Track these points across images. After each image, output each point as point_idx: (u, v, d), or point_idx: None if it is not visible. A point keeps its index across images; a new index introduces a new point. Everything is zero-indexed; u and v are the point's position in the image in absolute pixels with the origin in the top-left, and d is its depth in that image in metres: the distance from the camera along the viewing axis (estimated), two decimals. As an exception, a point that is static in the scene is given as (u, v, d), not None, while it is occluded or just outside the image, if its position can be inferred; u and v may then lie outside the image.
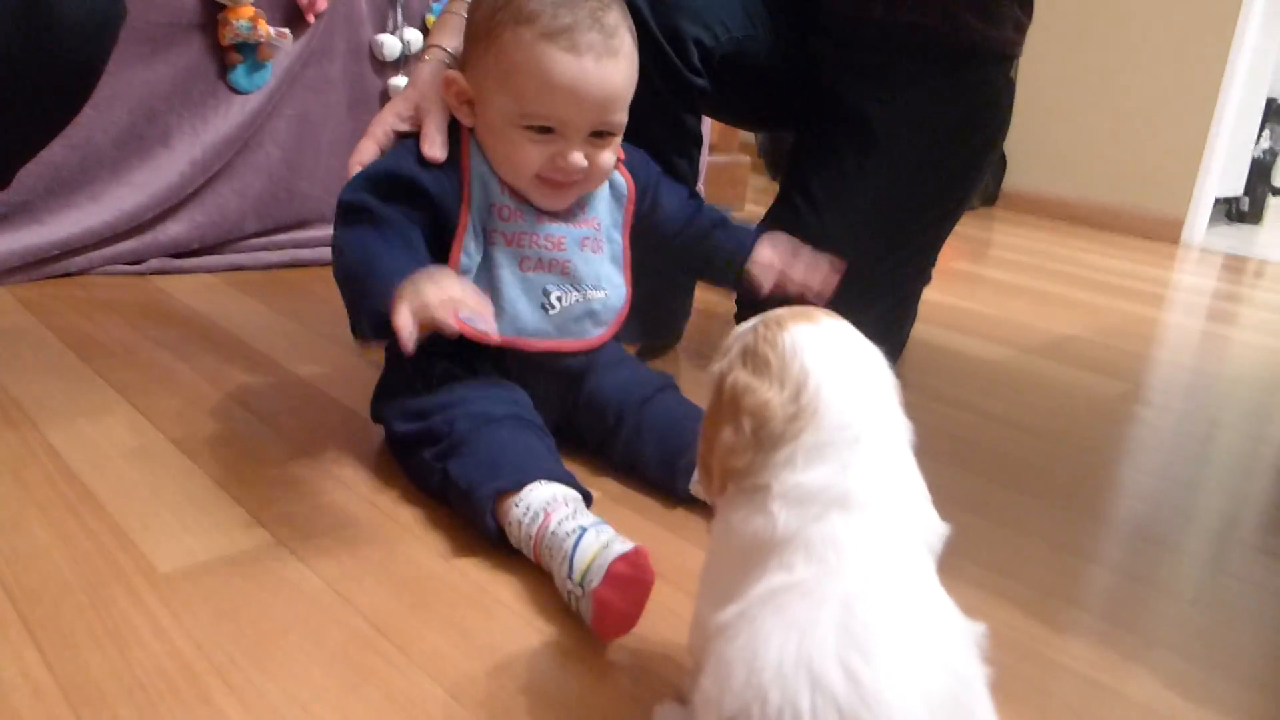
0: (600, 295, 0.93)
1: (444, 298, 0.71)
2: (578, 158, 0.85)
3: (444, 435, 0.83)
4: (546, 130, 0.84)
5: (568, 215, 0.91)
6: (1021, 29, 1.26)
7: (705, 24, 1.13)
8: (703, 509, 0.88)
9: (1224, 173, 3.12)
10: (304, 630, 0.66)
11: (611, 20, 0.83)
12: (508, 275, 0.88)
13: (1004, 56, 1.26)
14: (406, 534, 0.80)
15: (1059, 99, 3.16)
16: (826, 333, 0.52)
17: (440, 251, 0.86)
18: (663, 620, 0.71)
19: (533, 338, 0.89)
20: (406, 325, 0.70)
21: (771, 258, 0.98)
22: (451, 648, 0.65)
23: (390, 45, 1.63)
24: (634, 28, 0.87)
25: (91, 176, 1.39)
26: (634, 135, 0.92)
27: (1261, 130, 3.44)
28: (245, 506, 0.82)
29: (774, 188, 1.55)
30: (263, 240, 1.59)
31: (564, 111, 0.83)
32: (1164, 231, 3.08)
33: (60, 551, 0.73)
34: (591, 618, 0.67)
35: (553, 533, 0.72)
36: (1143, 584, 0.85)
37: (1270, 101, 3.40)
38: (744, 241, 1.00)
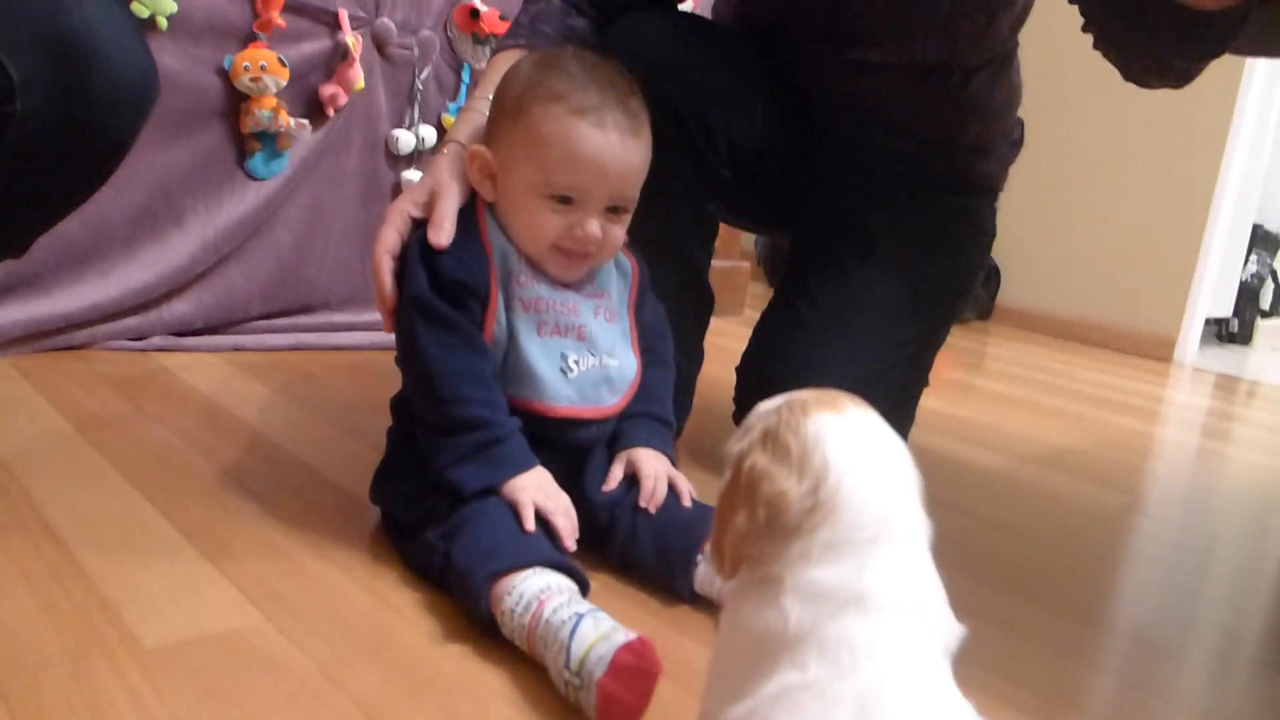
0: (615, 363, 0.94)
1: (555, 507, 0.83)
2: (594, 227, 0.87)
3: (446, 515, 0.82)
4: (566, 201, 0.87)
5: (581, 286, 0.94)
6: (1007, 165, 1.34)
7: (734, 119, 1.17)
8: (705, 604, 0.86)
9: (1214, 294, 3.17)
10: (291, 713, 0.63)
11: (635, 105, 0.89)
12: (527, 340, 0.89)
13: (991, 189, 1.33)
14: (400, 618, 0.78)
15: (1054, 218, 3.25)
16: (851, 424, 0.50)
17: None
18: (664, 717, 0.68)
19: (554, 402, 0.90)
20: (530, 513, 0.81)
21: (640, 463, 0.93)
22: (444, 736, 0.63)
23: (405, 140, 1.68)
24: (655, 118, 0.91)
25: (103, 253, 1.41)
26: (661, 222, 0.94)
27: (1249, 255, 3.52)
28: (236, 584, 0.80)
29: (771, 294, 1.57)
30: (267, 323, 1.59)
31: (586, 182, 0.86)
32: (1157, 350, 3.11)
33: (44, 621, 0.70)
34: (596, 709, 0.64)
35: (546, 621, 0.70)
36: (1145, 693, 0.84)
37: (1256, 228, 3.49)
38: (640, 426, 0.96)
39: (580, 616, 0.69)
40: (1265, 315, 3.82)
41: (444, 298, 0.86)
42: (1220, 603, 1.10)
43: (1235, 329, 3.69)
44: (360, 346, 1.67)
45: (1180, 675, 0.89)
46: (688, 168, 1.14)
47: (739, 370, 1.27)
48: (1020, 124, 1.34)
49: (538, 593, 0.72)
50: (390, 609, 0.79)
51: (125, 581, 0.78)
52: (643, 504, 0.90)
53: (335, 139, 1.60)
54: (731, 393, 1.29)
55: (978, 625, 0.49)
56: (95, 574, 0.78)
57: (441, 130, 1.74)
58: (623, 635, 0.66)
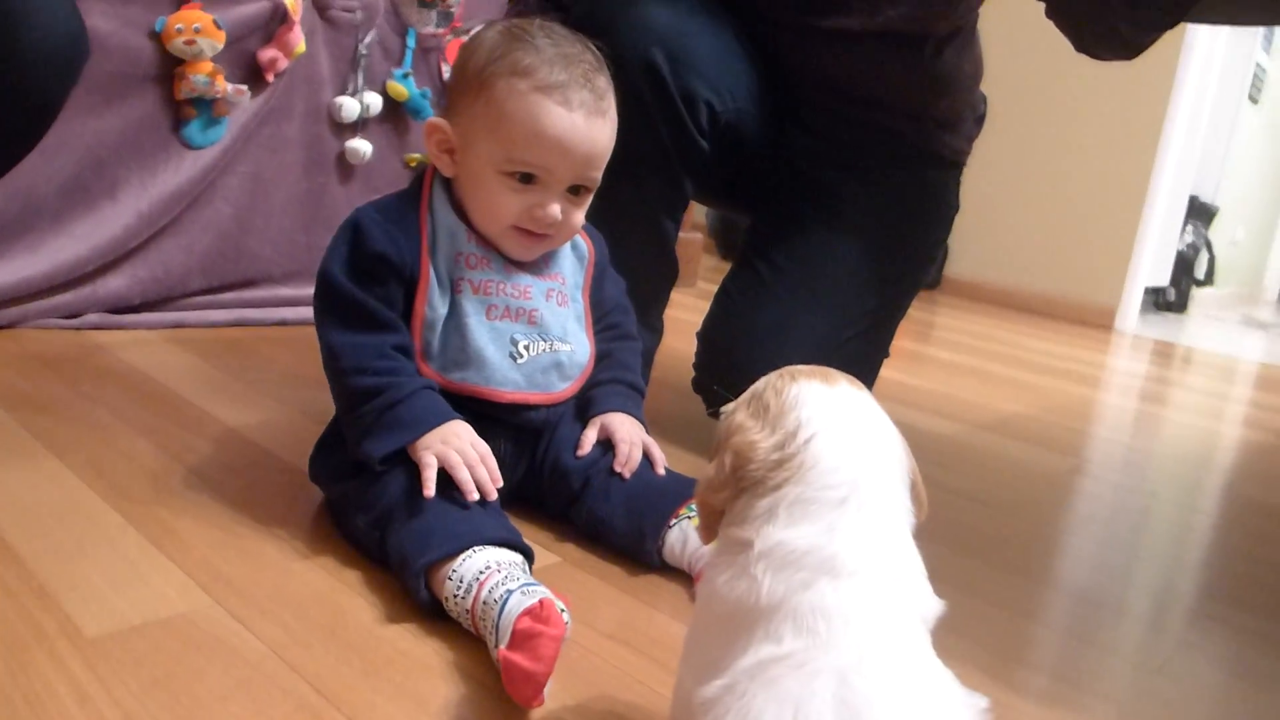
0: (567, 348, 0.92)
1: (460, 459, 0.79)
2: (554, 209, 0.85)
3: (376, 500, 0.80)
4: (528, 180, 0.84)
5: (534, 267, 0.91)
6: (972, 140, 1.35)
7: (716, 89, 1.15)
8: (673, 575, 0.86)
9: (1153, 265, 3.25)
10: (245, 698, 0.61)
11: (601, 83, 0.86)
12: (475, 323, 0.86)
13: (957, 163, 1.34)
14: (355, 597, 0.76)
15: (999, 193, 3.29)
16: (837, 393, 0.50)
17: (408, 305, 0.86)
18: (629, 689, 0.67)
19: (500, 387, 0.88)
20: (432, 475, 0.78)
21: (614, 429, 0.92)
22: (405, 716, 0.61)
23: (349, 107, 1.63)
24: (638, 85, 0.89)
25: (31, 226, 1.34)
26: (633, 190, 0.92)
27: (1185, 226, 3.61)
28: (181, 567, 0.77)
29: (724, 266, 1.56)
30: (208, 298, 1.54)
31: (550, 160, 0.84)
32: (1098, 319, 3.19)
33: (-24, 612, 0.67)
34: (503, 682, 0.62)
35: (484, 603, 0.68)
36: (1089, 645, 0.86)
37: (1193, 199, 3.58)
38: (612, 392, 0.96)
39: (509, 594, 0.66)
40: (1200, 284, 3.93)
41: (357, 272, 0.83)
42: (1159, 558, 1.13)
43: (1172, 298, 3.79)
44: (306, 321, 1.62)
45: (1122, 627, 0.91)
46: (667, 137, 1.12)
47: (700, 336, 1.26)
48: (984, 99, 1.35)
49: (476, 574, 0.70)
50: (343, 587, 0.77)
51: (63, 568, 0.74)
52: (618, 469, 0.90)
53: (276, 106, 1.55)
54: (687, 363, 1.28)
55: (933, 586, 0.48)
56: (31, 561, 0.74)
57: (387, 97, 1.69)
58: (534, 598, 0.64)
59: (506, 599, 0.66)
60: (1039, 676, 0.78)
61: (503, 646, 0.62)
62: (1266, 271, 5.21)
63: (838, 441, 0.48)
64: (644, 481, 0.90)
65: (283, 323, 1.59)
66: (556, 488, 0.92)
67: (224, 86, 1.43)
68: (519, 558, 0.75)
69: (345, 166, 1.68)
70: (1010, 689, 0.75)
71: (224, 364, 1.34)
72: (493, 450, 0.87)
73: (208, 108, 1.45)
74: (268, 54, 1.49)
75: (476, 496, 0.79)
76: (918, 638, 0.45)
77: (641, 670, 0.70)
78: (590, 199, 0.90)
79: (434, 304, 0.86)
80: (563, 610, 0.64)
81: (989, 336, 2.65)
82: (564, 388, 0.92)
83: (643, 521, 0.86)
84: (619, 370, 0.97)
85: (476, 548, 0.73)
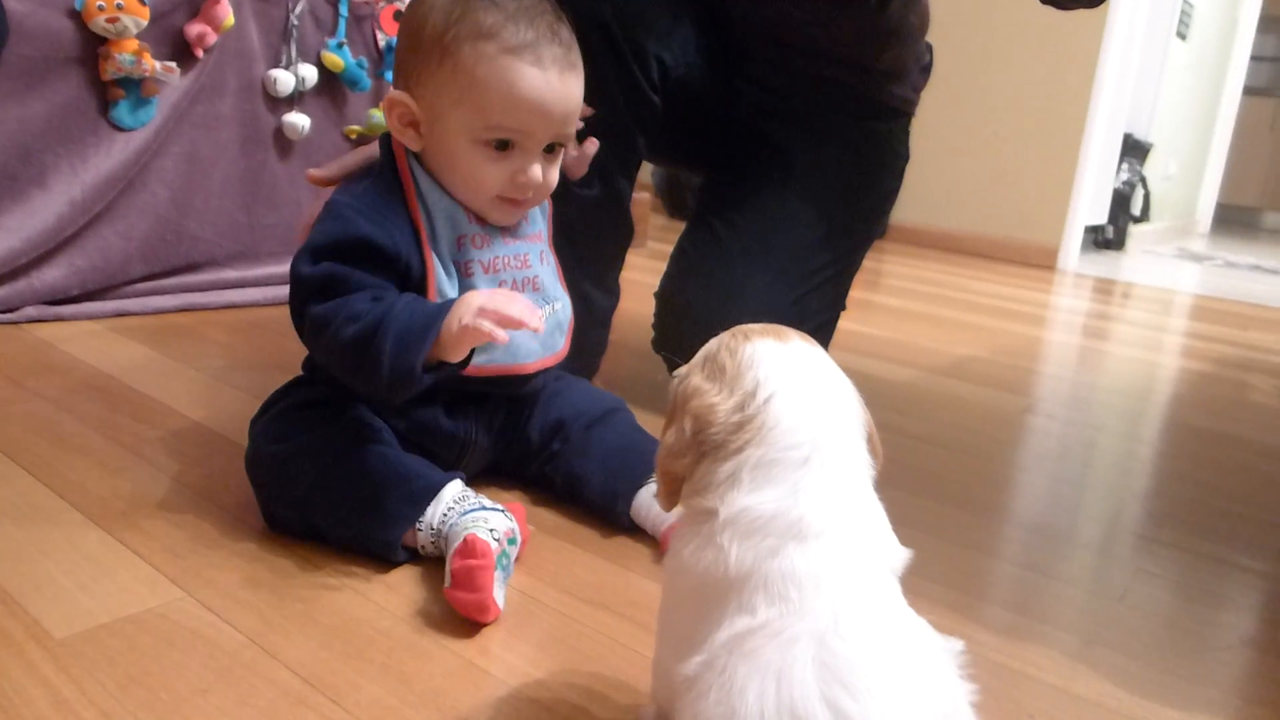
0: (560, 305, 0.93)
1: (503, 299, 0.74)
2: (536, 172, 0.84)
3: (295, 488, 0.79)
4: (504, 146, 0.82)
5: (522, 231, 0.90)
6: (919, 90, 1.35)
7: (667, 45, 1.13)
8: (643, 537, 0.87)
9: (1091, 204, 3.31)
10: (226, 689, 0.61)
11: (566, 35, 0.84)
12: None
13: (905, 113, 1.34)
14: (329, 580, 0.75)
15: (941, 140, 3.31)
16: (791, 351, 0.50)
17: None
18: (612, 653, 0.68)
19: (527, 360, 0.88)
20: (492, 326, 0.72)
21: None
22: (392, 696, 0.61)
23: (284, 81, 1.58)
24: (587, 42, 0.87)
25: (-43, 219, 1.29)
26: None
27: (1120, 163, 3.68)
28: (148, 561, 0.76)
29: (673, 226, 1.55)
30: (150, 285, 1.50)
31: (529, 124, 0.81)
32: (1041, 259, 3.25)
33: (-61, 621, 0.65)
34: (461, 613, 0.70)
35: (448, 539, 0.75)
36: (1042, 574, 0.89)
37: (1127, 137, 3.64)
38: None
39: (450, 528, 0.75)
40: (1137, 221, 4.02)
41: (337, 257, 0.78)
42: (1110, 489, 1.17)
43: (1110, 235, 3.87)
44: (255, 303, 1.59)
45: (1072, 556, 0.95)
46: (618, 94, 1.11)
47: (659, 296, 1.26)
48: (929, 48, 1.35)
49: (441, 518, 0.77)
50: (316, 571, 0.76)
51: (25, 570, 0.73)
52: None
53: (207, 82, 1.50)
54: (644, 325, 1.28)
55: (895, 529, 0.49)
56: (-9, 564, 0.73)
57: (323, 69, 1.65)
58: (460, 539, 0.71)
59: (450, 530, 0.75)
60: (1003, 610, 0.81)
61: (446, 587, 0.70)
62: (1198, 204, 5.34)
63: (797, 400, 0.47)
64: (622, 442, 0.91)
65: (231, 306, 1.56)
66: (541, 442, 0.92)
67: (151, 65, 1.38)
68: (460, 489, 0.79)
69: (284, 142, 1.64)
70: (975, 623, 0.78)
71: (173, 351, 1.31)
72: (488, 422, 0.89)
73: (136, 87, 1.40)
74: (195, 29, 1.44)
75: (539, 321, 0.75)
76: (889, 591, 0.45)
77: (622, 633, 0.71)
78: (563, 155, 0.88)
79: (444, 292, 0.83)
80: (494, 538, 0.72)
81: (937, 281, 2.69)
82: (563, 344, 0.93)
83: (617, 482, 0.87)
84: None
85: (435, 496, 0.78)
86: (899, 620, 0.44)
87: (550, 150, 0.85)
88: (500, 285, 0.86)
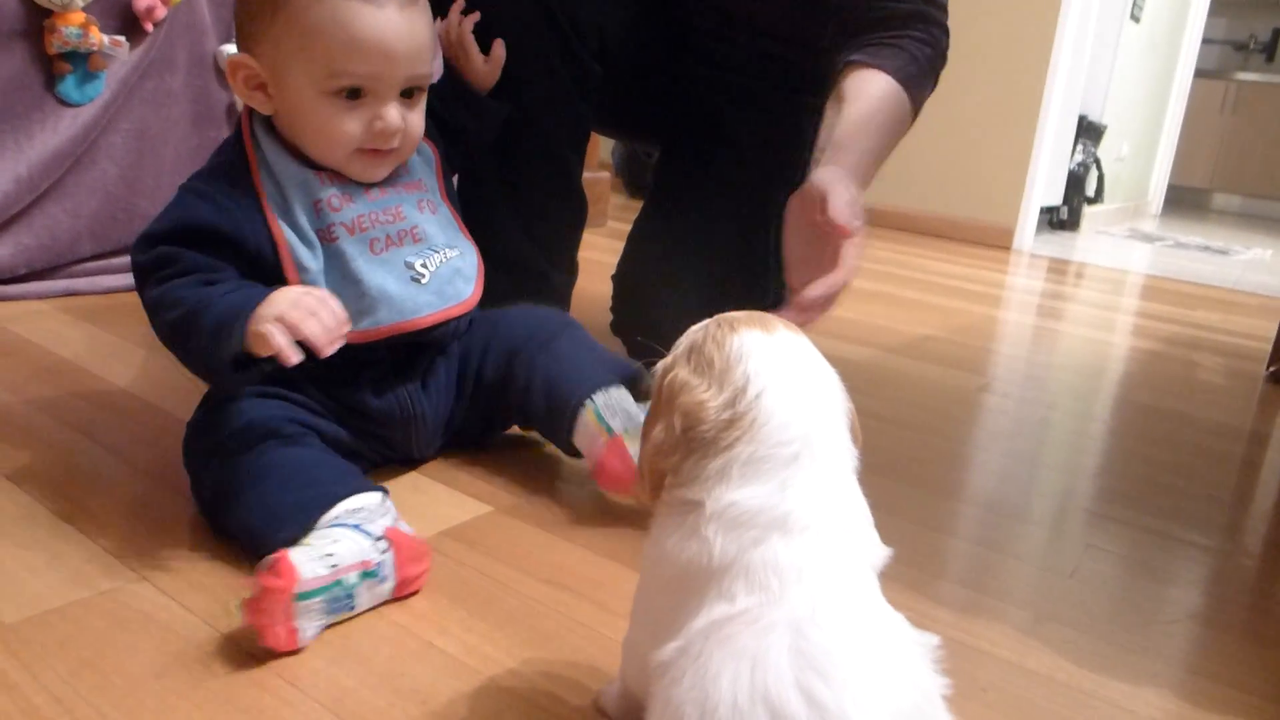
0: (455, 253, 0.90)
1: (303, 313, 0.70)
2: (393, 115, 0.80)
3: (211, 478, 0.77)
4: (356, 95, 0.79)
5: (393, 183, 0.87)
6: None
7: (604, 13, 1.12)
8: (604, 518, 0.87)
9: (1046, 185, 3.36)
10: (181, 672, 0.60)
11: None
12: (364, 265, 0.83)
13: None
14: (287, 562, 0.75)
15: (897, 116, 3.33)
16: (778, 343, 0.49)
17: (272, 278, 0.79)
18: (571, 632, 0.69)
19: (417, 315, 0.85)
20: (283, 340, 0.68)
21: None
22: (349, 678, 0.61)
23: (236, 56, 1.55)
24: (527, 17, 0.85)
25: (-104, 196, 1.25)
26: (532, 125, 0.89)
27: (1075, 145, 3.73)
28: (100, 544, 0.75)
29: (633, 205, 1.56)
30: (100, 264, 1.47)
31: (374, 67, 0.78)
32: (997, 239, 3.29)
33: (-118, 607, 0.64)
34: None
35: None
36: (998, 551, 0.91)
37: (1081, 118, 3.69)
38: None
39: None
40: (1090, 202, 4.08)
41: (179, 242, 0.76)
42: (1057, 465, 1.20)
43: (1065, 216, 3.93)
44: (208, 283, 1.56)
45: (1026, 533, 0.97)
46: (559, 67, 1.10)
47: (615, 279, 1.26)
48: None
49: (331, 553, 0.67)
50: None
51: (-28, 554, 0.71)
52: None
53: (157, 57, 1.46)
54: (603, 305, 1.28)
55: None
56: (-64, 549, 0.71)
57: (275, 44, 1.62)
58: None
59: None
60: (958, 587, 0.82)
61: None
62: (1150, 185, 5.44)
63: (786, 395, 0.47)
64: (559, 371, 0.90)
65: (183, 285, 1.53)
66: (494, 379, 0.92)
67: (99, 38, 1.35)
68: (370, 499, 0.73)
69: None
70: (931, 600, 0.79)
71: (124, 331, 1.28)
72: (420, 382, 0.89)
73: (83, 62, 1.36)
74: (144, 2, 1.40)
75: (331, 346, 0.71)
76: (868, 586, 0.45)
77: (581, 612, 0.71)
78: (424, 100, 0.85)
79: (304, 265, 0.80)
80: (329, 564, 0.65)
81: (895, 262, 2.71)
82: (470, 292, 0.91)
83: (561, 403, 0.88)
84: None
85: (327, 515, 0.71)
86: (876, 613, 0.44)
87: (409, 95, 0.83)
88: (371, 244, 0.84)
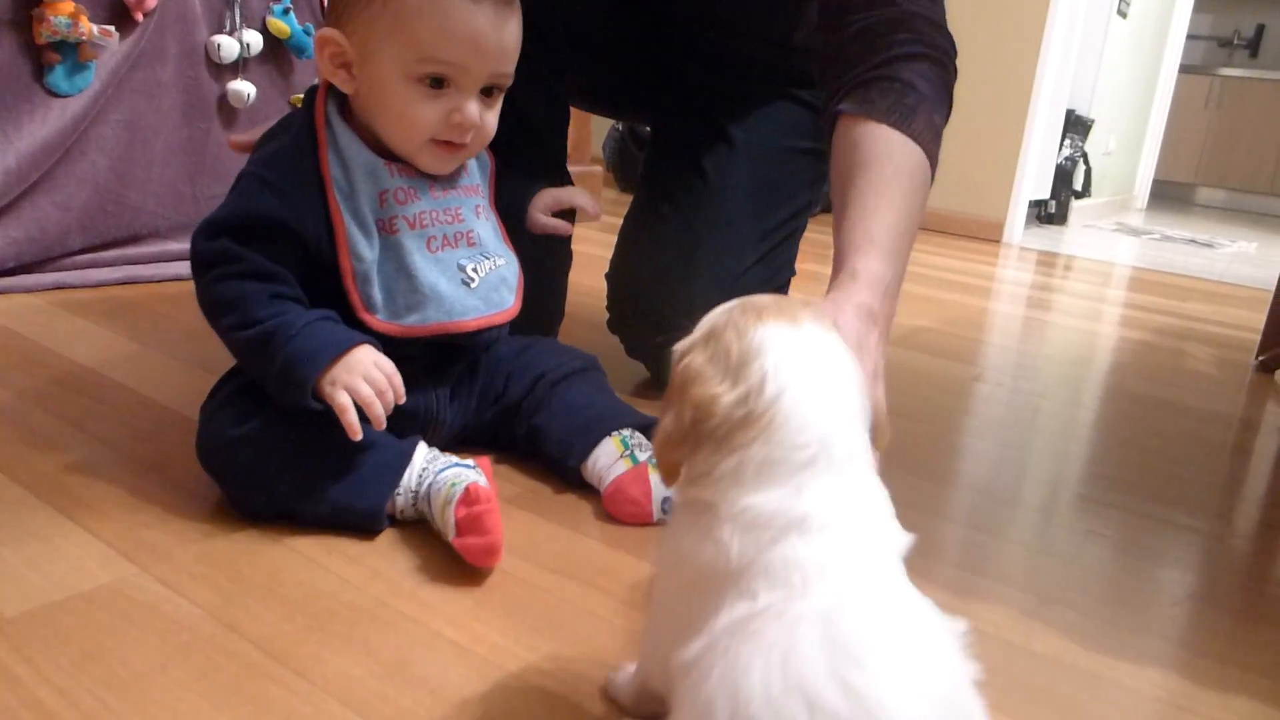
0: (503, 261, 0.91)
1: (371, 393, 0.75)
2: (472, 110, 0.81)
3: (279, 479, 0.77)
4: (439, 84, 0.80)
5: (455, 184, 0.88)
6: None
7: (575, 4, 1.12)
8: (595, 502, 0.87)
9: (1035, 179, 3.37)
10: (186, 664, 0.60)
11: None
12: (420, 261, 0.83)
13: None
14: (287, 553, 0.74)
15: (887, 110, 3.34)
16: (803, 338, 0.46)
17: (327, 265, 0.81)
18: (578, 619, 0.68)
19: (464, 317, 0.85)
20: (353, 419, 0.75)
21: (553, 196, 0.99)
22: (358, 668, 0.61)
23: (228, 47, 1.54)
24: None
25: (-117, 188, 1.24)
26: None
27: (1063, 140, 3.74)
28: (99, 537, 0.74)
29: (625, 199, 1.55)
30: (90, 257, 1.45)
31: (463, 58, 0.79)
32: (987, 232, 3.30)
33: (-120, 601, 0.63)
34: (468, 560, 0.73)
35: (423, 497, 0.78)
36: (988, 534, 0.92)
37: (1069, 113, 3.71)
38: (521, 195, 1.00)
39: (430, 486, 0.77)
40: (1078, 196, 4.10)
41: (238, 232, 0.78)
42: (1047, 452, 1.21)
43: (1053, 210, 3.95)
44: (199, 276, 1.55)
45: (1016, 516, 0.98)
46: (531, 46, 1.09)
47: (608, 277, 1.25)
48: None
49: (416, 482, 0.79)
50: (274, 545, 0.75)
51: (-30, 547, 0.70)
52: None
53: (147, 48, 1.45)
54: (598, 300, 1.27)
55: None
56: (-67, 543, 0.70)
57: (268, 34, 1.60)
58: (460, 488, 0.74)
59: (429, 492, 0.77)
60: (958, 571, 0.83)
61: (453, 537, 0.72)
62: (1137, 179, 5.46)
63: (805, 396, 0.45)
64: (584, 400, 0.92)
65: (178, 279, 1.52)
66: (512, 397, 0.93)
67: (88, 28, 1.33)
68: (424, 448, 0.81)
69: (228, 110, 1.60)
70: (932, 584, 0.79)
71: (116, 325, 1.27)
72: (450, 389, 0.89)
73: (72, 52, 1.35)
74: (133, -9, 1.39)
75: (381, 425, 0.77)
76: (894, 573, 0.44)
77: (588, 600, 0.71)
78: (500, 102, 0.86)
79: (360, 253, 0.81)
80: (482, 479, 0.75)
81: (887, 255, 2.72)
82: (512, 301, 0.91)
83: (573, 440, 0.88)
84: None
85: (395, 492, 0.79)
86: (904, 600, 0.43)
87: (488, 94, 0.84)
88: (429, 241, 0.84)
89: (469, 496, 0.72)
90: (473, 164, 0.91)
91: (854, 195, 0.82)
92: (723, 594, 0.43)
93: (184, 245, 1.56)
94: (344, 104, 0.84)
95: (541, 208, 0.99)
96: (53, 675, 0.58)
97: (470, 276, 0.86)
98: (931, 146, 0.89)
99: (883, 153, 0.85)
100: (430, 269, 0.84)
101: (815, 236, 1.44)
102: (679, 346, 0.49)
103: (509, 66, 0.84)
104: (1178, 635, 0.76)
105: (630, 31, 1.22)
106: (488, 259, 0.88)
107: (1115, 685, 0.67)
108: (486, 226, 0.90)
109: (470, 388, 0.92)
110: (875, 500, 0.46)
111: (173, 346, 1.20)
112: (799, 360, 0.45)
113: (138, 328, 1.27)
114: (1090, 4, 3.45)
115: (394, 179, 0.83)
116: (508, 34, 0.82)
